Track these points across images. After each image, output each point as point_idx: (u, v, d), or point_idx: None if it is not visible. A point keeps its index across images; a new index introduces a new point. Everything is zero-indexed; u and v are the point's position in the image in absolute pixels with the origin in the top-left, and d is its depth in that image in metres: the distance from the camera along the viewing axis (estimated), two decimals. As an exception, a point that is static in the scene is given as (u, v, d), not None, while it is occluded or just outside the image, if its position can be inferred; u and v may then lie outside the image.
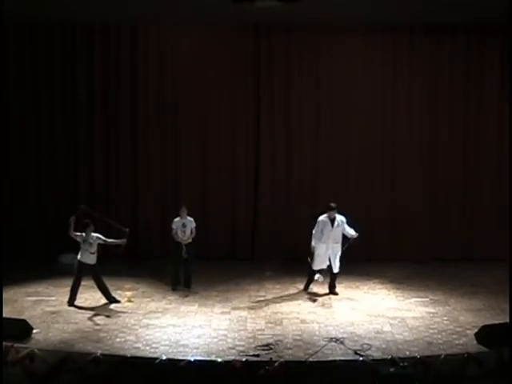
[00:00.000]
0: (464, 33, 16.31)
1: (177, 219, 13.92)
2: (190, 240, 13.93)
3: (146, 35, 16.37)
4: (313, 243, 13.63)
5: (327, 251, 13.63)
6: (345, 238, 13.76)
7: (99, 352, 10.53)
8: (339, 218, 13.63)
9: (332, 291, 13.84)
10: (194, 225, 13.96)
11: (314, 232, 13.65)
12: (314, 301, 13.53)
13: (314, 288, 14.00)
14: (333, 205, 13.60)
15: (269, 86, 16.52)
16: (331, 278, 13.90)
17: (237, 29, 16.31)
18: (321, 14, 15.32)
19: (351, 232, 13.64)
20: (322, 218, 13.66)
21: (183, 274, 14.08)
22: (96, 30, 16.24)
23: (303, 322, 12.27)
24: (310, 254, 13.70)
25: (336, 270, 13.75)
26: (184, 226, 13.87)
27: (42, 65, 16.32)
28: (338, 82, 16.47)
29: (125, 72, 16.38)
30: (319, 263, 13.70)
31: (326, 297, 13.80)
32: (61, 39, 16.26)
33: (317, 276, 13.75)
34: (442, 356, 10.55)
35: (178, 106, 16.52)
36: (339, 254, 13.71)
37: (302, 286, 14.41)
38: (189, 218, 13.95)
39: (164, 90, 16.50)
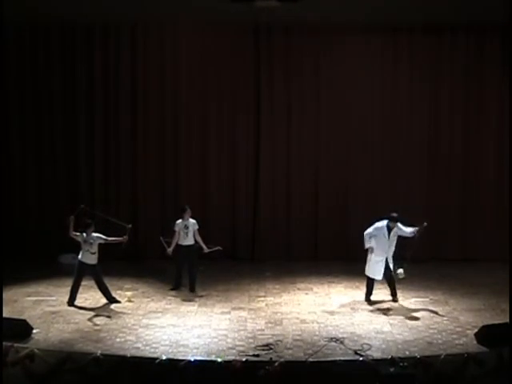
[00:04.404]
0: (464, 33, 16.31)
1: (179, 221, 13.87)
2: (192, 242, 13.90)
3: (145, 35, 16.36)
4: (369, 244, 13.13)
5: (384, 258, 13.17)
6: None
7: (99, 352, 10.53)
8: (397, 225, 13.22)
9: (394, 299, 13.41)
10: (196, 227, 13.92)
11: (367, 233, 13.18)
12: (314, 301, 13.55)
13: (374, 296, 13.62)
14: (394, 215, 13.12)
15: (269, 86, 16.53)
16: (390, 285, 13.43)
17: (237, 29, 16.31)
18: (321, 14, 15.34)
19: (408, 230, 13.12)
20: (381, 224, 13.19)
21: (188, 277, 14.01)
22: (96, 29, 16.24)
23: (303, 321, 12.27)
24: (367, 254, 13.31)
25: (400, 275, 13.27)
26: (186, 228, 13.83)
27: (42, 65, 16.32)
28: (338, 81, 16.48)
29: (125, 72, 16.38)
30: (374, 272, 13.26)
31: (326, 297, 13.81)
32: (61, 39, 16.26)
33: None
34: (442, 356, 10.55)
35: (178, 105, 16.52)
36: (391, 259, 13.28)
37: (302, 286, 14.44)
38: (191, 220, 13.92)
39: (164, 89, 16.50)
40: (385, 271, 13.28)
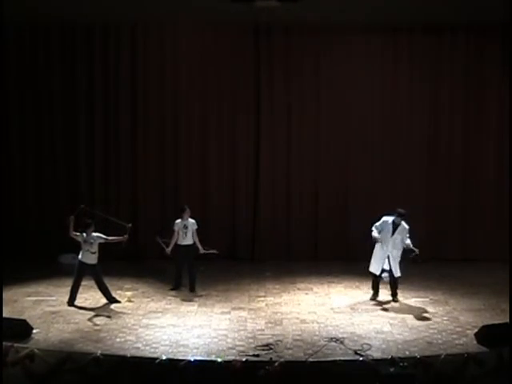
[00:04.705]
0: (464, 33, 16.32)
1: (178, 221, 13.86)
2: (191, 242, 13.90)
3: (146, 35, 16.37)
4: (374, 234, 13.16)
5: (385, 255, 13.22)
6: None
7: (99, 352, 10.53)
8: (403, 224, 13.16)
9: (394, 299, 13.40)
10: (195, 227, 13.92)
11: (374, 227, 13.23)
12: (314, 301, 13.55)
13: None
14: (401, 211, 13.13)
15: (269, 86, 16.53)
16: (391, 285, 13.46)
17: (237, 29, 16.31)
18: (321, 14, 15.34)
19: (407, 241, 13.08)
20: (388, 219, 13.23)
21: (188, 277, 13.98)
22: (96, 29, 16.24)
23: (303, 321, 12.27)
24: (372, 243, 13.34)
25: (397, 273, 13.24)
26: (185, 228, 13.82)
27: (42, 65, 16.32)
28: (338, 81, 16.48)
29: (125, 72, 16.38)
30: (374, 267, 13.34)
31: (326, 297, 13.81)
32: (61, 39, 16.26)
33: (384, 275, 13.34)
34: (442, 356, 10.54)
35: (178, 105, 16.52)
36: (398, 259, 13.24)
37: (302, 286, 14.45)
38: (190, 219, 13.91)
39: (164, 89, 16.49)
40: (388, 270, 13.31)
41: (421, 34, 16.29)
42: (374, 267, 13.37)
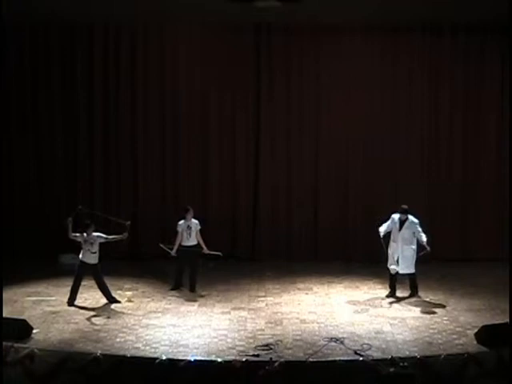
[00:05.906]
0: (464, 33, 16.32)
1: (181, 222, 13.85)
2: (195, 242, 13.89)
3: (145, 35, 16.38)
4: (380, 228, 13.35)
5: (397, 250, 13.31)
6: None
7: (99, 352, 10.53)
8: (411, 219, 13.28)
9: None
10: (199, 227, 13.91)
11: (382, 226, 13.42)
12: (314, 301, 13.55)
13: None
14: (404, 207, 13.27)
15: (269, 86, 16.54)
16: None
17: (237, 28, 16.32)
18: (321, 14, 15.33)
19: (423, 238, 13.21)
20: (395, 216, 13.36)
21: (188, 277, 13.98)
22: (96, 29, 16.25)
23: (303, 322, 12.27)
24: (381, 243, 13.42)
25: (401, 270, 13.33)
26: (189, 229, 13.82)
27: (42, 65, 16.33)
28: (338, 82, 16.48)
29: (125, 72, 16.39)
30: (389, 262, 13.44)
31: (326, 297, 13.81)
32: (61, 39, 16.27)
33: (392, 267, 13.37)
34: (442, 356, 10.54)
35: (178, 105, 16.53)
36: (410, 256, 13.31)
37: (302, 286, 14.44)
38: (194, 220, 13.91)
39: (164, 89, 16.51)
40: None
41: (421, 34, 16.30)
42: (390, 265, 13.42)
